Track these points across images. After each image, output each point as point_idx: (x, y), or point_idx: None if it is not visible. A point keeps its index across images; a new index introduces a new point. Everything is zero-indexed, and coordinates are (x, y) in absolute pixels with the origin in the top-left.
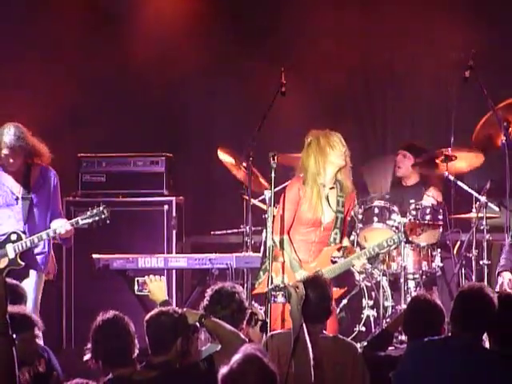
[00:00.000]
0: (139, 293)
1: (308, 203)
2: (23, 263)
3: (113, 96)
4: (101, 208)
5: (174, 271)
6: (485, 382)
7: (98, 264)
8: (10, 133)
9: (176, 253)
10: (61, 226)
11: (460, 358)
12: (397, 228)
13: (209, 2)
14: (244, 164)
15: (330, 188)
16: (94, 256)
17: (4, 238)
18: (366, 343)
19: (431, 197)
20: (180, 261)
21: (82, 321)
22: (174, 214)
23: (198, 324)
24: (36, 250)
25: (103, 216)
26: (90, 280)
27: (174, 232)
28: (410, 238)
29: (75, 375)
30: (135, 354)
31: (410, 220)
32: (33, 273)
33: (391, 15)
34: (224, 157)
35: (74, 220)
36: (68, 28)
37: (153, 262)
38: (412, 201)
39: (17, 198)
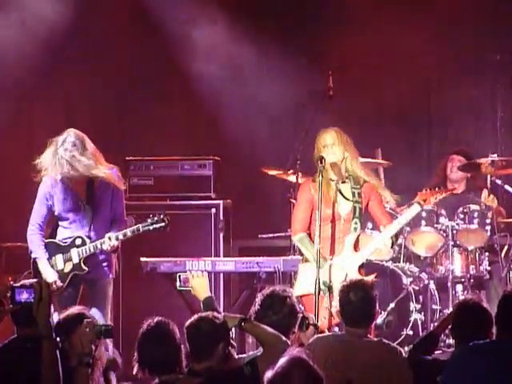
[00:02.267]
0: (181, 288)
1: (323, 199)
2: (87, 268)
3: (161, 98)
4: (161, 216)
5: (221, 275)
6: None
7: (146, 267)
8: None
9: (223, 256)
10: (104, 241)
11: (507, 361)
12: (444, 231)
13: None
14: (291, 170)
15: (342, 182)
16: (142, 259)
17: (69, 242)
18: (412, 346)
19: (488, 198)
20: (227, 264)
21: (130, 324)
22: (221, 217)
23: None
24: (100, 258)
25: (164, 224)
26: (138, 283)
27: (222, 235)
28: (425, 207)
29: (123, 380)
30: (183, 359)
31: (423, 191)
32: (100, 281)
33: (434, 17)
34: (270, 172)
35: (135, 227)
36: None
37: (200, 265)
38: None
39: (82, 203)
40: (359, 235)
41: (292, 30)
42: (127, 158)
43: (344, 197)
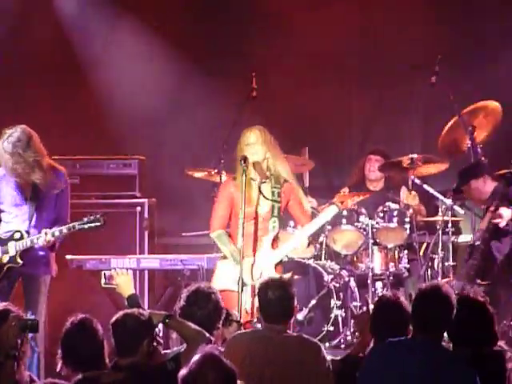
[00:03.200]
0: (106, 285)
1: (242, 198)
2: (21, 262)
3: (89, 101)
4: (98, 215)
5: (146, 272)
6: (446, 382)
7: (71, 265)
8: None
9: (148, 254)
10: (39, 236)
11: (421, 359)
12: (364, 230)
13: None
14: (216, 170)
15: (263, 182)
16: (68, 257)
17: (9, 235)
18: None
19: (409, 195)
20: (152, 262)
21: (55, 322)
22: (146, 215)
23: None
24: (39, 254)
25: (99, 223)
26: (63, 280)
27: (146, 233)
28: (344, 209)
29: (47, 376)
30: (106, 356)
31: (340, 193)
32: (36, 277)
33: (362, 21)
34: (195, 175)
35: (70, 225)
36: None
37: (125, 262)
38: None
39: (25, 199)
40: (278, 233)
41: (216, 30)
42: (53, 157)
43: (264, 196)
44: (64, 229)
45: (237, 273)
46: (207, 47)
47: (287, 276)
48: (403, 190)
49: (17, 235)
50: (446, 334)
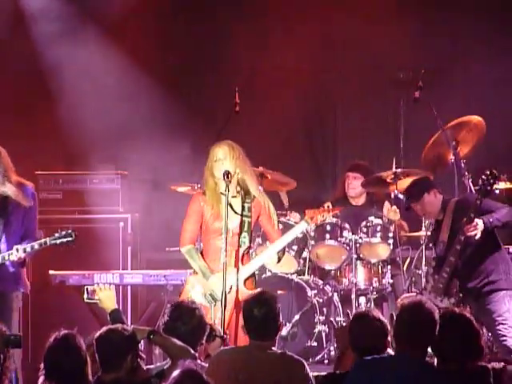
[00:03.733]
0: (89, 300)
1: (211, 212)
2: None
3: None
4: (69, 231)
5: (129, 287)
6: None
7: (54, 280)
8: None
9: (131, 269)
10: (12, 252)
11: (405, 375)
12: (348, 245)
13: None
14: (198, 185)
15: (233, 196)
16: (51, 272)
17: None
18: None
19: (391, 210)
20: (135, 277)
21: (39, 337)
22: (129, 230)
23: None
24: (10, 271)
25: (71, 238)
26: (47, 296)
27: (130, 248)
28: (313, 225)
29: None
30: (89, 371)
31: (310, 209)
32: (7, 294)
33: (339, 36)
34: (179, 189)
35: (42, 240)
36: None
37: (108, 277)
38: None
39: None
40: (248, 248)
41: (201, 44)
42: (37, 172)
43: (234, 211)
44: (36, 245)
45: (206, 287)
46: (187, 64)
47: (256, 291)
48: (386, 205)
49: None
50: (430, 350)
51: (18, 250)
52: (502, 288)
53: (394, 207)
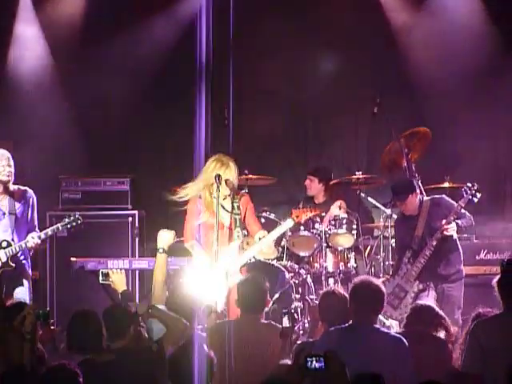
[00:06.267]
0: (103, 282)
1: (208, 212)
2: (14, 265)
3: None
4: (76, 215)
5: (137, 271)
6: (383, 360)
7: (75, 266)
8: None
9: (138, 256)
10: (28, 240)
11: (362, 337)
12: (319, 235)
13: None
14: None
15: (224, 198)
16: (72, 259)
17: None
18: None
19: (339, 207)
20: (142, 263)
21: (63, 313)
22: (136, 224)
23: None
24: (22, 258)
25: (78, 222)
26: (69, 279)
27: (137, 239)
28: (298, 222)
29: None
30: (105, 342)
31: (296, 209)
32: (25, 280)
33: (302, 53)
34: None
35: (55, 226)
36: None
37: (120, 263)
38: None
39: (4, 213)
40: (242, 241)
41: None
42: (60, 176)
43: (225, 209)
44: (49, 231)
45: (206, 276)
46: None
47: (249, 276)
48: (336, 203)
49: (4, 244)
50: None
51: (33, 238)
52: (462, 277)
53: (337, 203)
